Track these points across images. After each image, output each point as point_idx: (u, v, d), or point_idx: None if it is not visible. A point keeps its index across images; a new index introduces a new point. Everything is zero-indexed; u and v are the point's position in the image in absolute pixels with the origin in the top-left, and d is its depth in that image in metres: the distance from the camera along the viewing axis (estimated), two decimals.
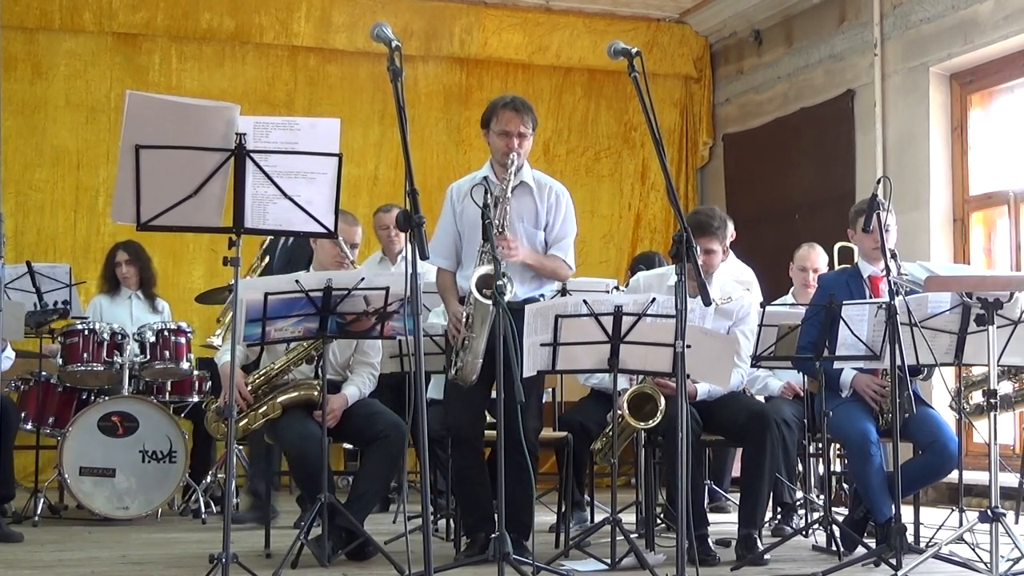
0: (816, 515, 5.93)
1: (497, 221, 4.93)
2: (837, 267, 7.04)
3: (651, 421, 5.06)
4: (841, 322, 5.11)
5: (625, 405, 5.06)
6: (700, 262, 4.24)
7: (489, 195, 4.81)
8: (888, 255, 4.97)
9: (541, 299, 5.17)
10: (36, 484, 6.70)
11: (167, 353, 6.73)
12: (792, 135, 9.77)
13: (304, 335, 4.99)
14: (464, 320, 4.91)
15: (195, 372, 7.00)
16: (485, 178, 5.14)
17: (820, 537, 5.66)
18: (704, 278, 4.25)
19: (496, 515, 4.33)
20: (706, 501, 5.92)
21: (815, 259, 6.87)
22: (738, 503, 5.47)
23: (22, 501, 6.68)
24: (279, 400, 5.26)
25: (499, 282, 4.36)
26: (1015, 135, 8.11)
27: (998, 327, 4.74)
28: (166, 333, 6.76)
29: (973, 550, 5.00)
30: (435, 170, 9.80)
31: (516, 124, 5.10)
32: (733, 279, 6.09)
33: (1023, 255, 7.92)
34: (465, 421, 5.16)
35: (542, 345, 4.72)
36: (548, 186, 5.27)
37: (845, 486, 7.01)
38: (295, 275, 5.03)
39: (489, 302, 4.62)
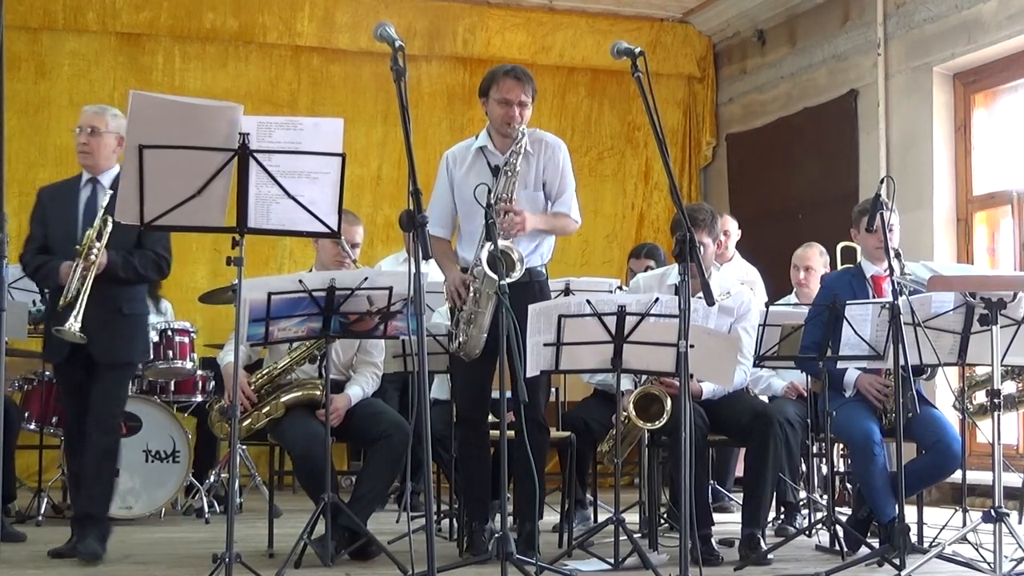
0: (819, 515, 5.92)
1: (504, 195, 4.92)
2: (840, 267, 7.04)
3: (658, 422, 5.05)
4: (844, 322, 5.11)
5: (631, 406, 5.06)
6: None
7: (491, 194, 4.80)
8: (892, 255, 4.97)
9: (542, 267, 5.20)
10: (39, 484, 6.71)
11: (170, 353, 6.74)
12: (795, 135, 9.76)
13: (308, 335, 4.99)
14: (472, 295, 4.89)
15: (198, 372, 7.01)
16: (482, 148, 5.13)
17: (823, 537, 5.66)
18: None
19: (500, 514, 4.34)
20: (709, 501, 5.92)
21: (808, 258, 6.86)
22: (741, 503, 5.48)
23: (26, 501, 6.68)
24: (282, 400, 5.26)
25: (503, 282, 4.36)
26: (1018, 135, 8.11)
27: (1001, 327, 4.74)
28: (169, 333, 6.76)
29: (976, 550, 4.99)
30: (437, 169, 9.80)
31: (517, 92, 5.08)
32: (738, 279, 6.09)
33: None
34: (469, 400, 5.16)
35: (545, 345, 4.72)
36: (542, 141, 5.21)
37: (848, 486, 7.01)
38: (298, 275, 5.04)
39: (496, 276, 4.60)
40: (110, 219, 4.92)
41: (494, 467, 5.15)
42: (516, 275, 4.64)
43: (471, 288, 4.90)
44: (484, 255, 4.70)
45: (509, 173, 4.98)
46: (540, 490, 4.90)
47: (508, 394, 4.52)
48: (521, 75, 5.12)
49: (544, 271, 5.27)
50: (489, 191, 4.78)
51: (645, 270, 6.53)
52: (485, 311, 4.85)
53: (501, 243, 4.62)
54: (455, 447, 5.39)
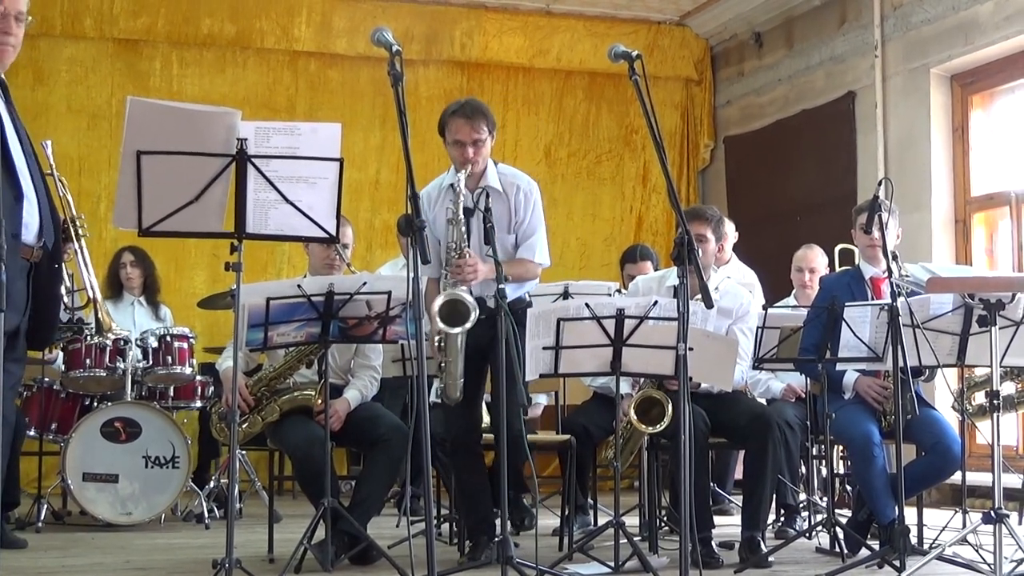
0: (819, 517, 5.92)
1: (453, 243, 4.84)
2: (838, 269, 7.04)
3: (659, 425, 5.05)
4: (843, 324, 5.11)
5: (632, 410, 5.05)
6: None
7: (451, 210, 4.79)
8: (889, 256, 4.98)
9: (526, 294, 5.15)
10: (39, 490, 6.70)
11: (170, 359, 6.74)
12: (793, 137, 9.77)
13: (307, 340, 4.99)
14: (437, 344, 4.77)
15: (198, 377, 7.00)
16: (451, 186, 5.09)
17: (823, 539, 5.66)
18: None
19: (499, 519, 4.34)
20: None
21: (811, 259, 6.87)
22: (741, 505, 5.48)
23: (25, 507, 6.67)
24: (278, 403, 5.25)
25: (501, 285, 4.36)
26: (1016, 136, 8.11)
27: (1000, 328, 4.74)
28: (168, 339, 6.76)
29: (976, 551, 4.99)
30: (436, 174, 9.60)
31: (467, 132, 5.02)
32: (736, 282, 6.09)
33: None
34: (461, 428, 5.14)
35: (544, 348, 4.72)
36: (515, 185, 5.13)
37: (848, 488, 7.01)
38: (297, 280, 5.03)
39: (455, 330, 4.58)
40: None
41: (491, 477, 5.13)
42: (469, 323, 4.57)
43: (438, 340, 4.77)
44: (435, 307, 4.62)
45: (456, 224, 4.88)
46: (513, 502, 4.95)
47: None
48: (471, 112, 5.04)
49: (527, 299, 5.16)
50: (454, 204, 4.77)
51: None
52: (455, 360, 4.75)
53: (452, 293, 4.61)
54: (453, 478, 5.36)
